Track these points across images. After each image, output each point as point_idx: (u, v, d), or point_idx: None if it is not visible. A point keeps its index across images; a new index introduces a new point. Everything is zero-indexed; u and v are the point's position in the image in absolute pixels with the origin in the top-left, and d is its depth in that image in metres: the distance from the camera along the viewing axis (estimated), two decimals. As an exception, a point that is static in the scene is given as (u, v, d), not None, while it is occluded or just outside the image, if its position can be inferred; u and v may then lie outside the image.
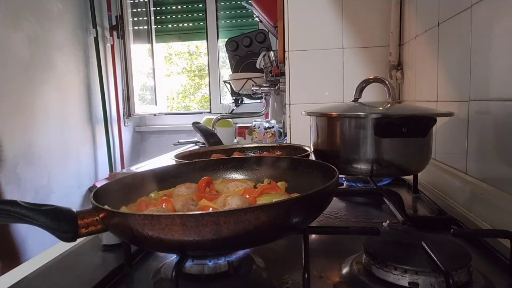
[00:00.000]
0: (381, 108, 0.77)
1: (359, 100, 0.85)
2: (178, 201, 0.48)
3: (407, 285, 0.42)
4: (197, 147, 1.97)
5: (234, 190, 0.55)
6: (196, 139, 2.14)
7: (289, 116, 1.36)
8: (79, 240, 0.46)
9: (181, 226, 0.36)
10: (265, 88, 1.92)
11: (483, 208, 0.66)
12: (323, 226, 0.65)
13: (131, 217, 0.38)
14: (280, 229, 0.41)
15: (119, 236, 0.43)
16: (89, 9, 2.63)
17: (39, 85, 2.19)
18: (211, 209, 0.47)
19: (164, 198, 0.53)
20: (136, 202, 0.53)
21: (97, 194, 0.46)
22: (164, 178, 0.60)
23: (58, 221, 0.41)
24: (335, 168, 0.51)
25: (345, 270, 0.48)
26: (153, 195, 0.56)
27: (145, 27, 3.09)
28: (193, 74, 3.71)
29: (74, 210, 0.43)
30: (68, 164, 2.42)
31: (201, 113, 3.06)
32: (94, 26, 2.65)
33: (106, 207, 0.42)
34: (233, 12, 2.99)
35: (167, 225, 0.36)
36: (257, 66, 1.98)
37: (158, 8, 3.09)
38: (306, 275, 0.42)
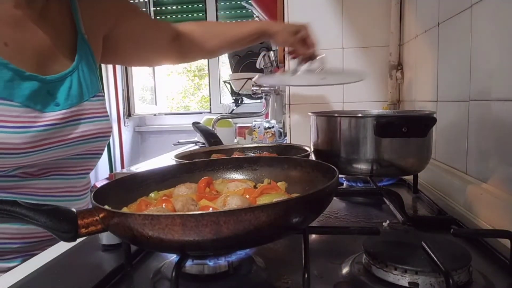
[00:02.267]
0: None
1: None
2: (178, 201, 0.48)
3: (407, 285, 0.42)
4: (197, 147, 1.97)
5: (234, 190, 0.55)
6: (196, 139, 2.14)
7: (289, 116, 1.36)
8: (79, 240, 0.46)
9: (181, 226, 0.36)
10: (265, 88, 1.92)
11: (483, 208, 0.66)
12: (323, 226, 0.65)
13: (131, 217, 0.38)
14: (280, 229, 0.41)
15: (119, 236, 0.43)
16: (89, 9, 2.63)
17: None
18: (211, 209, 0.47)
19: (164, 198, 0.53)
20: (136, 202, 0.53)
21: (97, 194, 0.46)
22: (164, 178, 0.60)
23: (58, 221, 0.41)
24: (335, 168, 0.51)
25: (345, 270, 0.48)
26: (153, 195, 0.56)
27: (145, 27, 3.09)
28: (193, 74, 3.71)
29: (74, 210, 0.44)
30: (68, 164, 2.42)
31: (201, 113, 3.06)
32: (94, 26, 2.65)
33: (106, 207, 0.42)
34: (233, 12, 3.00)
35: (167, 225, 0.36)
36: (257, 66, 1.98)
37: (158, 8, 3.09)
38: (306, 275, 0.42)
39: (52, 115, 0.70)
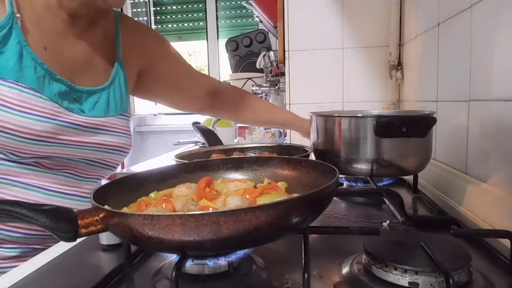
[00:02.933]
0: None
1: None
2: (178, 201, 0.48)
3: (407, 285, 0.42)
4: (197, 147, 1.97)
5: (234, 190, 0.55)
6: (196, 139, 2.14)
7: (289, 116, 1.36)
8: (79, 240, 0.46)
9: (181, 226, 0.36)
10: (265, 88, 1.92)
11: (483, 208, 0.66)
12: (323, 226, 0.65)
13: (131, 217, 0.38)
14: (280, 229, 0.41)
15: (119, 236, 0.43)
16: (89, 9, 2.63)
17: (39, 85, 2.18)
18: (211, 209, 0.47)
19: (164, 198, 0.53)
20: (136, 202, 0.53)
21: (97, 194, 0.46)
22: (164, 178, 0.60)
23: (58, 221, 0.41)
24: (335, 168, 0.51)
25: (345, 270, 0.48)
26: (153, 195, 0.56)
27: (145, 27, 3.08)
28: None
29: (74, 210, 0.44)
30: (68, 164, 2.42)
31: (201, 113, 3.05)
32: (94, 26, 2.65)
33: (106, 207, 0.42)
34: (233, 12, 3.00)
35: (167, 225, 0.36)
36: (257, 66, 1.98)
37: (158, 8, 3.09)
38: (306, 275, 0.42)
39: (76, 117, 0.77)
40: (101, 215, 0.42)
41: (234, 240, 0.38)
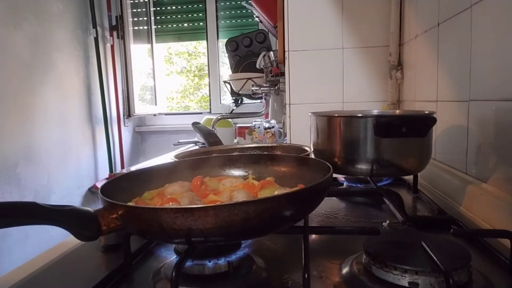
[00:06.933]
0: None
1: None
2: (185, 198, 0.50)
3: (407, 285, 0.42)
4: (197, 147, 1.97)
5: (231, 186, 0.57)
6: (196, 139, 2.13)
7: (289, 116, 1.36)
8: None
9: (214, 216, 0.38)
10: (265, 88, 1.92)
11: (483, 208, 0.66)
12: (323, 226, 0.65)
13: (161, 211, 0.39)
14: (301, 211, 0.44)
15: (137, 232, 0.43)
16: (89, 9, 2.63)
17: (39, 85, 2.18)
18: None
19: (169, 197, 0.53)
20: (132, 202, 0.53)
21: (104, 191, 0.46)
22: (155, 177, 0.60)
23: (80, 221, 0.41)
24: (326, 162, 0.52)
25: (345, 270, 0.48)
26: (146, 194, 0.56)
27: (145, 27, 3.09)
28: (193, 74, 3.71)
29: (91, 209, 0.43)
30: (68, 164, 2.42)
31: (201, 113, 3.06)
32: (94, 26, 2.65)
33: (129, 203, 0.42)
34: (233, 12, 2.99)
35: (200, 217, 0.37)
36: (257, 66, 1.97)
37: (158, 8, 3.09)
38: (306, 275, 0.42)
39: None
40: (120, 212, 0.42)
41: (259, 227, 0.41)
